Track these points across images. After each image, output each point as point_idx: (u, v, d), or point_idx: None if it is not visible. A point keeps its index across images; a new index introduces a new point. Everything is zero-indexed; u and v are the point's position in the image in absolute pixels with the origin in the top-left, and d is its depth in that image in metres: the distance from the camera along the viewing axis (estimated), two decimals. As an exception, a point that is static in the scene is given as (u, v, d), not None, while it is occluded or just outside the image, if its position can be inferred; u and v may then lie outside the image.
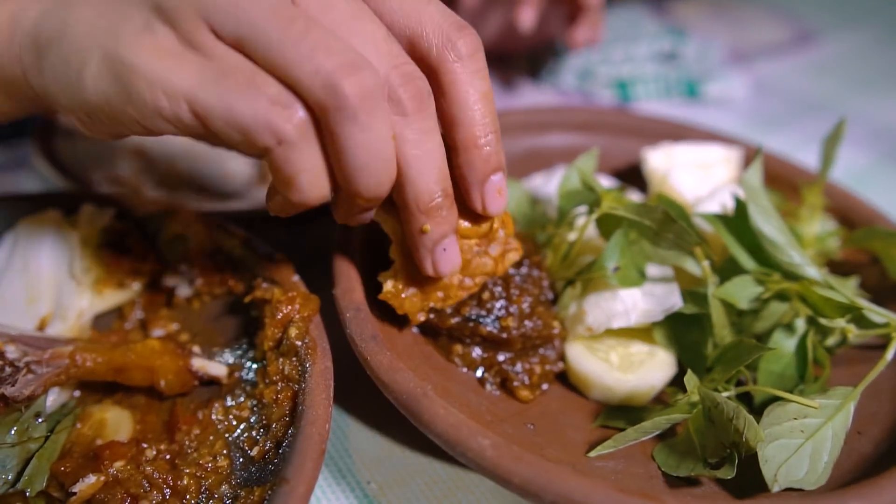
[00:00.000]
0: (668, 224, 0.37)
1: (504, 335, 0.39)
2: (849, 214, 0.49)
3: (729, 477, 0.31)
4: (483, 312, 0.39)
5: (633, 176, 0.56)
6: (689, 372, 0.35)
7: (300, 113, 0.28)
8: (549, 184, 0.52)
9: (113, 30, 0.29)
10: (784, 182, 0.53)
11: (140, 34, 0.29)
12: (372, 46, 0.29)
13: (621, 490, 0.28)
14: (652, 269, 0.41)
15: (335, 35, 0.28)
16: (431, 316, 0.39)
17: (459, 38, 0.32)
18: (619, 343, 0.41)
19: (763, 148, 0.55)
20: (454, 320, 0.39)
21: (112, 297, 0.43)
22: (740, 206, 0.40)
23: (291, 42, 0.27)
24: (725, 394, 0.35)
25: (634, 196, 0.53)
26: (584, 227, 0.40)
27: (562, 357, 0.41)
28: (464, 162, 0.33)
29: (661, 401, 0.40)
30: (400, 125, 0.30)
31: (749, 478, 0.32)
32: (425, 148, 0.30)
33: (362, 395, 0.36)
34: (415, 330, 0.41)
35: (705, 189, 0.49)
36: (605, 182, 0.55)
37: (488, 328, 0.39)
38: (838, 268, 0.47)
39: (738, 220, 0.40)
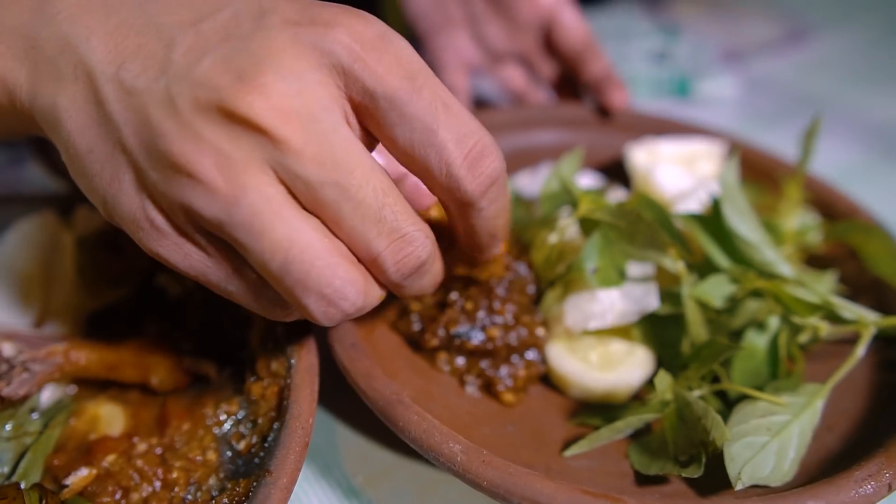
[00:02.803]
0: (641, 226, 0.38)
1: (489, 346, 0.40)
2: (830, 208, 0.50)
3: (696, 476, 0.32)
4: (468, 327, 0.40)
5: (619, 170, 0.56)
6: (661, 372, 0.36)
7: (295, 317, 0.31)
8: (535, 182, 0.52)
9: (110, 192, 0.28)
10: (769, 176, 0.54)
11: (138, 214, 0.28)
12: (366, 227, 0.28)
13: (585, 492, 0.29)
14: (634, 269, 0.42)
15: (315, 261, 0.27)
16: (416, 328, 0.41)
17: (471, 180, 0.29)
18: (598, 342, 0.41)
19: (746, 143, 0.56)
20: (441, 335, 0.40)
21: (106, 295, 0.44)
22: (716, 204, 0.41)
23: (272, 277, 0.27)
24: (698, 392, 0.36)
25: (619, 193, 0.54)
26: (563, 230, 0.41)
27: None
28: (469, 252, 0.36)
29: (641, 397, 0.41)
30: (393, 286, 0.30)
31: (718, 475, 0.33)
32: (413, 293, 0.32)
33: (351, 392, 0.38)
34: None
35: (688, 184, 0.50)
36: (590, 179, 0.55)
37: (475, 342, 0.40)
38: (819, 261, 0.48)
39: (714, 219, 0.41)
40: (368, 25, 0.27)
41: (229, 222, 0.26)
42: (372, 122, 0.28)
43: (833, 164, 0.71)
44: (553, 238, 0.44)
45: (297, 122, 0.25)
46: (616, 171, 0.57)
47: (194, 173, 0.25)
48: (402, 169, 0.30)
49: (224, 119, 0.25)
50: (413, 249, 0.29)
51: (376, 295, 0.30)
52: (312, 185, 0.26)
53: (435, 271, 0.32)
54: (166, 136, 0.26)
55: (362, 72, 0.26)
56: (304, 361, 0.37)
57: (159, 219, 0.27)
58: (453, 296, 0.41)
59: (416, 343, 0.41)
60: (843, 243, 0.47)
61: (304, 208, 0.27)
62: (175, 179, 0.26)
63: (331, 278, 0.27)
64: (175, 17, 0.27)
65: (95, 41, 0.28)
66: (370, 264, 0.29)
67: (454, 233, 0.34)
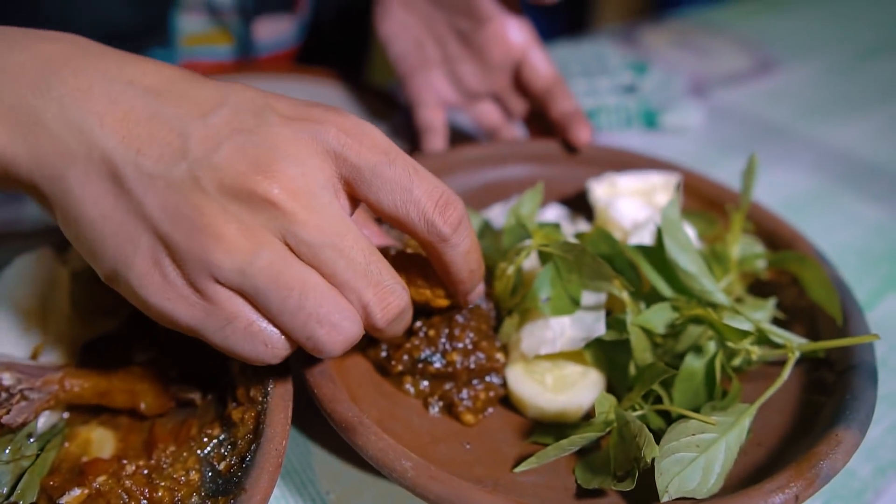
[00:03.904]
0: (586, 259, 0.41)
1: (450, 370, 0.43)
2: (773, 237, 0.53)
3: (628, 489, 0.35)
4: (430, 352, 0.43)
5: (583, 202, 0.60)
6: (602, 394, 0.39)
7: (286, 353, 0.34)
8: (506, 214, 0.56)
9: (122, 252, 0.32)
10: (719, 207, 0.57)
11: (150, 270, 0.32)
12: (357, 280, 0.33)
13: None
14: (587, 297, 0.46)
15: (324, 296, 0.32)
16: (383, 354, 0.44)
17: (443, 223, 0.35)
18: (554, 365, 0.45)
19: (698, 175, 0.60)
20: (405, 360, 0.43)
21: (99, 326, 0.47)
22: (660, 237, 0.44)
23: (288, 313, 0.32)
24: (638, 413, 0.39)
25: (583, 224, 0.57)
26: (518, 261, 0.45)
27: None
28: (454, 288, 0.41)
29: (591, 417, 0.44)
30: (376, 331, 0.36)
31: (652, 489, 0.36)
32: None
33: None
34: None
35: (644, 215, 0.53)
36: (557, 210, 0.59)
37: (436, 365, 0.43)
38: (763, 287, 0.51)
39: (658, 250, 0.44)
40: (348, 118, 0.34)
41: (250, 271, 0.31)
42: (360, 192, 0.34)
43: (794, 190, 0.75)
44: (511, 269, 0.47)
45: (302, 198, 0.32)
46: (580, 203, 0.60)
47: (220, 236, 0.31)
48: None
49: (246, 198, 0.31)
50: (395, 298, 0.35)
51: (362, 331, 0.35)
52: (314, 247, 0.32)
53: (408, 317, 0.38)
54: (196, 208, 0.31)
55: (350, 153, 0.33)
56: (280, 388, 0.40)
57: (173, 272, 0.32)
58: (417, 324, 0.44)
59: (383, 368, 0.45)
60: (784, 271, 0.51)
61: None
62: (200, 240, 0.31)
63: (339, 307, 0.33)
64: (180, 109, 0.32)
65: (108, 128, 0.31)
66: (360, 311, 0.34)
67: (437, 273, 0.40)
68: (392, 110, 0.74)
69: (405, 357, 0.43)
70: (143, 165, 0.31)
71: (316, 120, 0.33)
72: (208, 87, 0.33)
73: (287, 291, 0.31)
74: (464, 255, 0.37)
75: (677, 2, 2.11)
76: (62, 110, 0.31)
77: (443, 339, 0.43)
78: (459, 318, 0.44)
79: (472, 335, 0.44)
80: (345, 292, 0.33)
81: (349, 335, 0.33)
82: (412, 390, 0.44)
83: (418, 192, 0.34)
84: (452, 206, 0.35)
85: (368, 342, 0.46)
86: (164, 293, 0.32)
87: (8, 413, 0.38)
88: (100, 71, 0.32)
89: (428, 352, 0.43)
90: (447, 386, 0.44)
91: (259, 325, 0.33)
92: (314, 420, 0.46)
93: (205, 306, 0.32)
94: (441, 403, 0.44)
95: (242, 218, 0.31)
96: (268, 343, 0.34)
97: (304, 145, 0.32)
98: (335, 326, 0.33)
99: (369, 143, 0.33)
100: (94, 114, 0.31)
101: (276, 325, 0.33)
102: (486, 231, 0.53)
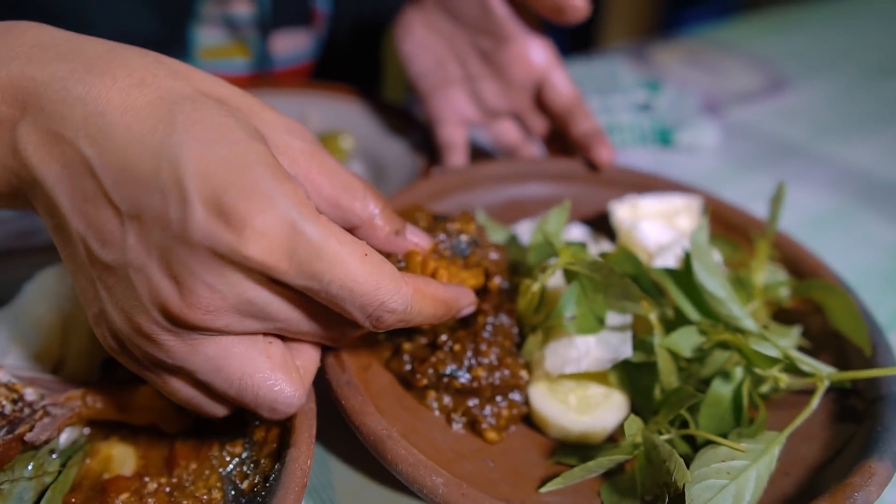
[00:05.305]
0: (614, 279, 0.41)
1: (475, 385, 0.43)
2: (797, 265, 0.53)
3: None
4: (455, 367, 0.43)
5: (605, 223, 0.60)
6: (632, 416, 0.39)
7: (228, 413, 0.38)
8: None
9: (86, 309, 0.34)
10: (743, 233, 0.57)
11: (103, 333, 0.34)
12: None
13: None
14: (613, 317, 0.45)
15: (264, 384, 0.34)
16: (407, 368, 0.44)
17: (377, 328, 0.34)
18: (578, 385, 0.45)
19: (721, 200, 0.59)
20: (430, 374, 0.43)
21: (119, 342, 0.47)
22: (687, 260, 0.44)
23: (230, 397, 0.35)
24: (666, 436, 0.39)
25: (605, 245, 0.57)
26: (543, 280, 0.44)
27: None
28: None
29: (616, 439, 0.44)
30: None
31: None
32: None
33: (345, 432, 0.41)
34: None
35: (668, 238, 0.53)
36: (578, 230, 0.59)
37: (461, 380, 0.43)
38: (787, 315, 0.51)
39: (685, 274, 0.44)
40: (277, 218, 0.30)
41: (189, 367, 0.33)
42: None
43: (810, 209, 0.75)
44: (536, 286, 0.47)
45: (226, 313, 0.32)
46: (602, 224, 0.60)
47: (157, 343, 0.32)
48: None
49: (172, 323, 0.32)
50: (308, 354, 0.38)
51: (301, 403, 0.36)
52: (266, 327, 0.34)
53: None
54: (131, 308, 0.32)
55: (276, 275, 0.31)
56: (304, 406, 0.40)
57: (116, 344, 0.34)
58: (443, 337, 0.44)
59: (407, 382, 0.45)
60: (808, 299, 0.50)
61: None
62: (137, 337, 0.33)
63: (277, 394, 0.34)
64: (117, 194, 0.30)
65: (66, 202, 0.31)
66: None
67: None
68: (409, 127, 0.74)
69: (430, 371, 0.43)
70: (91, 246, 0.32)
71: (238, 229, 0.29)
72: (144, 156, 0.30)
73: (227, 384, 0.34)
74: (417, 322, 0.36)
75: (684, 20, 2.12)
76: (23, 162, 0.32)
77: (468, 354, 0.43)
78: (485, 334, 0.44)
79: (497, 351, 0.44)
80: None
81: (289, 411, 0.35)
82: (435, 405, 0.44)
83: (352, 309, 0.32)
84: (386, 314, 0.33)
85: (392, 354, 0.45)
86: (117, 354, 0.35)
87: (31, 430, 0.38)
88: (64, 125, 0.31)
89: (453, 366, 0.43)
90: (470, 402, 0.44)
91: (199, 400, 0.36)
92: (334, 436, 0.46)
93: (150, 376, 0.35)
94: (464, 419, 0.44)
95: (178, 332, 0.32)
96: (212, 412, 0.37)
97: (224, 265, 0.30)
98: (274, 410, 0.35)
99: (299, 262, 0.30)
100: (52, 174, 0.32)
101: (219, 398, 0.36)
102: (513, 246, 0.53)
